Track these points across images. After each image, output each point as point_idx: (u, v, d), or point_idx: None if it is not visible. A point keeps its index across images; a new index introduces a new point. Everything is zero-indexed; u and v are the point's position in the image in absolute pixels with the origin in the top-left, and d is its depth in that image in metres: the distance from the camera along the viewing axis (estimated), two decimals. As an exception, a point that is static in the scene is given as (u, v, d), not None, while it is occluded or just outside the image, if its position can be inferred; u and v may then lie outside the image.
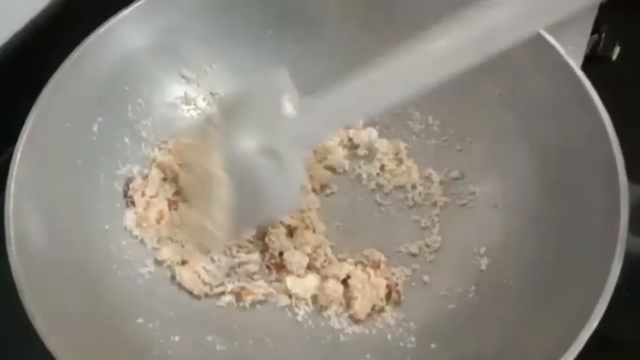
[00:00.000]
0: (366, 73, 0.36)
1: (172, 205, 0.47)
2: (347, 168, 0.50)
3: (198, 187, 0.41)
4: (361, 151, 0.51)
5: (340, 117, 0.38)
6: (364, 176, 0.50)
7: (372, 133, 0.51)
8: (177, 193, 0.48)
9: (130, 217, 0.46)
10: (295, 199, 0.40)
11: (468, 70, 0.35)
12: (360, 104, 0.37)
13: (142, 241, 0.46)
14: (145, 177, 0.48)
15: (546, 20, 0.33)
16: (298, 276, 0.44)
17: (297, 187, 0.39)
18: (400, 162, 0.50)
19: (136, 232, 0.46)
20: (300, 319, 0.44)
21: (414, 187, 0.49)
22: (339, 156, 0.50)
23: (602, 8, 0.56)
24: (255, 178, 0.38)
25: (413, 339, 0.42)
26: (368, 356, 0.42)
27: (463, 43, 0.33)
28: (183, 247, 0.46)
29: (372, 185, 0.49)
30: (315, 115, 0.38)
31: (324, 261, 0.45)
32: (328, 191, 0.50)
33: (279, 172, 0.38)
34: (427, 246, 0.46)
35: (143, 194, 0.47)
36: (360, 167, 0.50)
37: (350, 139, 0.51)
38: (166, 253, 0.45)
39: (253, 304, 0.44)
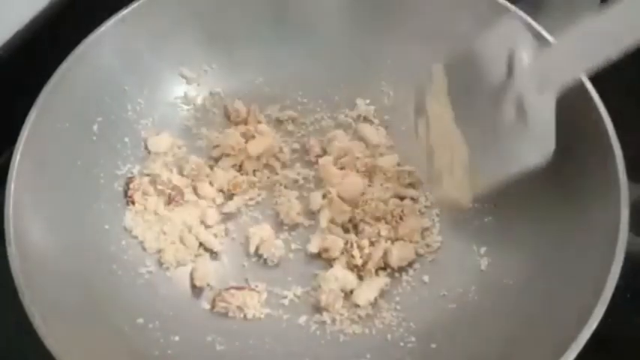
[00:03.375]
0: (600, 15, 0.34)
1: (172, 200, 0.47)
2: None
3: (438, 146, 0.41)
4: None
5: (583, 58, 0.36)
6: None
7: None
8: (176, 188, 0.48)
9: (130, 217, 0.46)
10: (547, 146, 0.37)
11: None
12: (601, 45, 0.34)
13: (142, 242, 0.46)
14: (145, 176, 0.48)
15: None
16: None
17: (547, 132, 0.37)
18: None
19: (135, 232, 0.46)
20: (300, 319, 0.44)
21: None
22: None
23: (602, 8, 0.56)
24: (496, 131, 0.37)
25: (413, 339, 0.42)
26: (368, 356, 0.42)
27: None
28: (184, 247, 0.46)
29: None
30: (556, 57, 0.36)
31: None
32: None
33: (524, 120, 0.37)
34: (427, 246, 0.46)
35: (143, 194, 0.47)
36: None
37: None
38: (167, 254, 0.45)
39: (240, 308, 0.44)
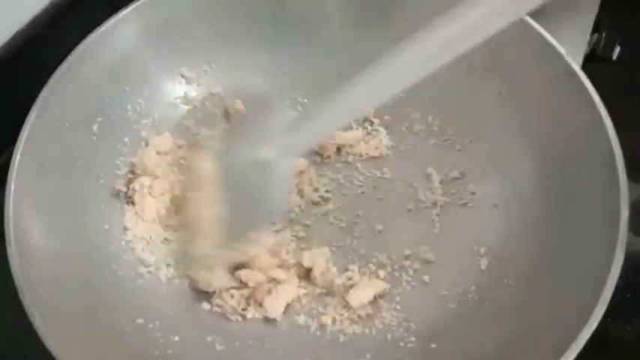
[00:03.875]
0: (350, 83, 0.38)
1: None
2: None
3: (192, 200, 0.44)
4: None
5: (325, 127, 0.40)
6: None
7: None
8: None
9: (129, 217, 0.46)
10: (284, 204, 0.44)
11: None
12: (341, 114, 0.40)
13: (142, 241, 0.46)
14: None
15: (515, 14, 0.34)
16: None
17: (285, 192, 0.43)
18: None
19: (136, 232, 0.46)
20: (300, 319, 0.44)
21: (412, 186, 0.49)
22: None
23: (602, 8, 0.56)
24: (248, 187, 0.41)
25: (413, 339, 0.42)
26: (368, 356, 0.42)
27: (446, 39, 0.35)
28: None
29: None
30: (302, 127, 0.40)
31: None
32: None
33: (270, 180, 0.41)
34: (427, 246, 0.46)
35: (144, 194, 0.47)
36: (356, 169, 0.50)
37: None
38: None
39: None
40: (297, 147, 0.41)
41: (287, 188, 0.44)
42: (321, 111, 0.39)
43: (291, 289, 0.44)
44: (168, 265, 0.45)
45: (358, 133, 0.51)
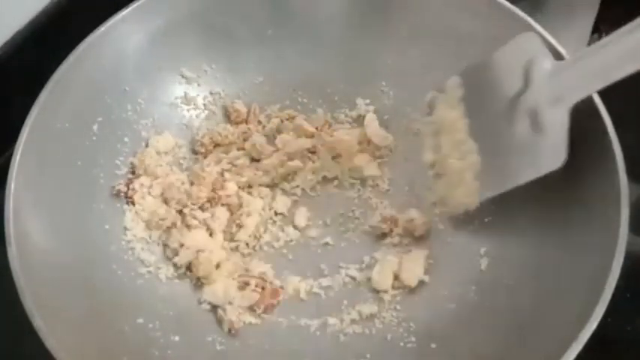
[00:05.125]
0: (618, 33, 0.35)
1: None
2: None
3: (447, 157, 0.43)
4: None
5: (600, 75, 0.36)
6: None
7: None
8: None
9: (129, 217, 0.46)
10: (558, 158, 0.38)
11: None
12: (618, 63, 0.35)
13: (142, 241, 0.46)
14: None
15: None
16: None
17: (560, 144, 0.38)
18: None
19: (136, 232, 0.46)
20: (300, 319, 0.44)
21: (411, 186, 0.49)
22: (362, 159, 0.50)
23: (602, 8, 0.56)
24: (509, 141, 0.39)
25: (413, 339, 0.42)
26: (368, 356, 0.42)
27: None
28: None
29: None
30: (573, 73, 0.37)
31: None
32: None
33: (540, 132, 0.38)
34: (427, 246, 0.46)
35: (144, 194, 0.47)
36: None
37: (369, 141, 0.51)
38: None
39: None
40: (568, 95, 0.37)
41: (561, 140, 0.38)
42: (599, 50, 0.36)
43: None
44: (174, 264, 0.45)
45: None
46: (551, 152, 0.38)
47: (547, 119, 0.38)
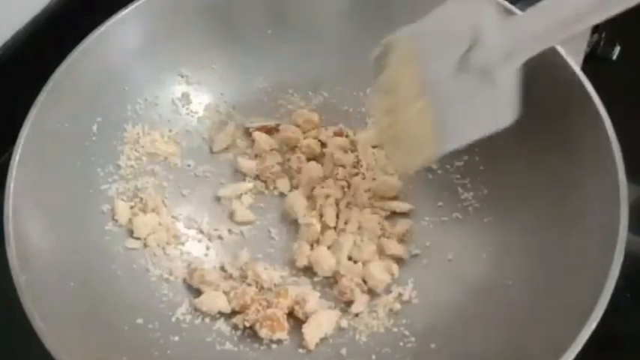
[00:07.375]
0: None
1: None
2: None
3: (400, 112, 0.41)
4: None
5: (554, 29, 0.36)
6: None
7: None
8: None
9: (129, 216, 0.46)
10: (511, 114, 0.39)
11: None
12: (573, 17, 0.35)
13: (141, 242, 0.46)
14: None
15: None
16: None
17: (509, 101, 0.38)
18: None
19: (135, 232, 0.46)
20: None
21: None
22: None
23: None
24: (462, 95, 0.38)
25: (413, 339, 0.42)
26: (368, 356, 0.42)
27: None
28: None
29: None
30: (526, 27, 0.37)
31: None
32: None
33: (489, 87, 0.38)
34: (427, 247, 0.46)
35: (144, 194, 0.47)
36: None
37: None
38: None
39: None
40: (521, 49, 0.37)
41: (511, 96, 0.38)
42: (551, 5, 0.35)
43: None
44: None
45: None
46: (504, 108, 0.38)
47: (498, 75, 0.37)
